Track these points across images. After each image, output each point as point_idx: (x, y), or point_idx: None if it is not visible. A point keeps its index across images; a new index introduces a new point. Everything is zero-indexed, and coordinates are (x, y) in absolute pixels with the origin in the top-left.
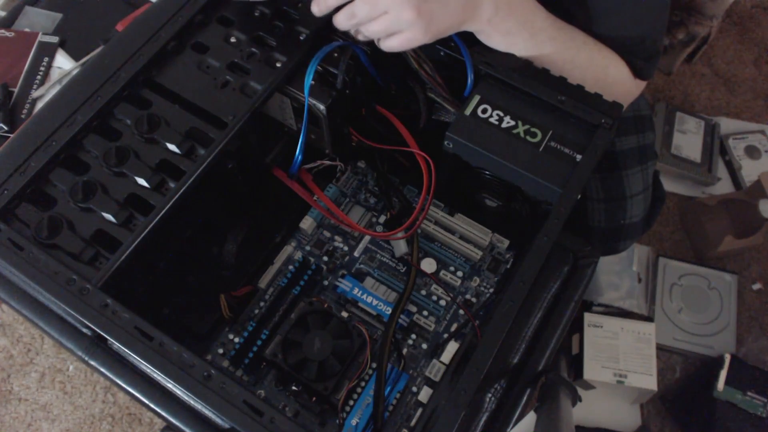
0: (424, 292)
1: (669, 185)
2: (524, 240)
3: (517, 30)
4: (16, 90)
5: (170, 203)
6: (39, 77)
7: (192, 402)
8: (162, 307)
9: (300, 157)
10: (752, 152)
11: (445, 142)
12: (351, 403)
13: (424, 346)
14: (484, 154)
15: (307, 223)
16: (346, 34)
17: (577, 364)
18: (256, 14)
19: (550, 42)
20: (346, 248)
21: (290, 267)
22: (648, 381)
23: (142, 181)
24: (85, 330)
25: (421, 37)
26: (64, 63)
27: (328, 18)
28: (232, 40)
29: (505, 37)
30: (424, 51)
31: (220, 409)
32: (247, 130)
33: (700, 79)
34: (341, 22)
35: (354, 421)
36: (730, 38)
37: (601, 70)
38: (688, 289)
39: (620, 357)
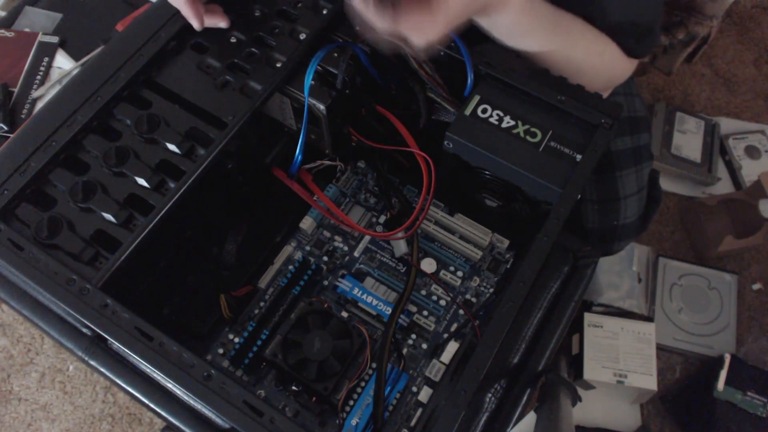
0: (424, 292)
1: (669, 185)
2: (524, 240)
3: (520, 34)
4: (16, 90)
5: (170, 203)
6: (39, 77)
7: (192, 402)
8: (162, 307)
9: (300, 157)
10: (752, 152)
11: (445, 142)
12: (351, 403)
13: (424, 346)
14: (484, 154)
15: (307, 223)
16: (347, 33)
17: (577, 364)
18: (256, 14)
19: (549, 44)
20: (346, 248)
21: (290, 267)
22: (648, 381)
23: (142, 181)
24: (85, 330)
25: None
26: (64, 63)
27: (328, 18)
28: (232, 40)
29: (508, 38)
30: None
31: (220, 409)
32: (247, 130)
33: (700, 79)
34: (378, 18)
35: (354, 421)
36: (730, 38)
37: (597, 58)
38: (688, 289)
39: (620, 357)
